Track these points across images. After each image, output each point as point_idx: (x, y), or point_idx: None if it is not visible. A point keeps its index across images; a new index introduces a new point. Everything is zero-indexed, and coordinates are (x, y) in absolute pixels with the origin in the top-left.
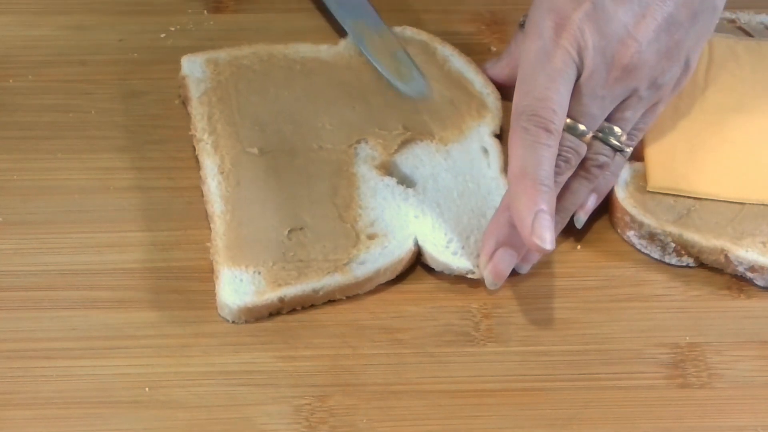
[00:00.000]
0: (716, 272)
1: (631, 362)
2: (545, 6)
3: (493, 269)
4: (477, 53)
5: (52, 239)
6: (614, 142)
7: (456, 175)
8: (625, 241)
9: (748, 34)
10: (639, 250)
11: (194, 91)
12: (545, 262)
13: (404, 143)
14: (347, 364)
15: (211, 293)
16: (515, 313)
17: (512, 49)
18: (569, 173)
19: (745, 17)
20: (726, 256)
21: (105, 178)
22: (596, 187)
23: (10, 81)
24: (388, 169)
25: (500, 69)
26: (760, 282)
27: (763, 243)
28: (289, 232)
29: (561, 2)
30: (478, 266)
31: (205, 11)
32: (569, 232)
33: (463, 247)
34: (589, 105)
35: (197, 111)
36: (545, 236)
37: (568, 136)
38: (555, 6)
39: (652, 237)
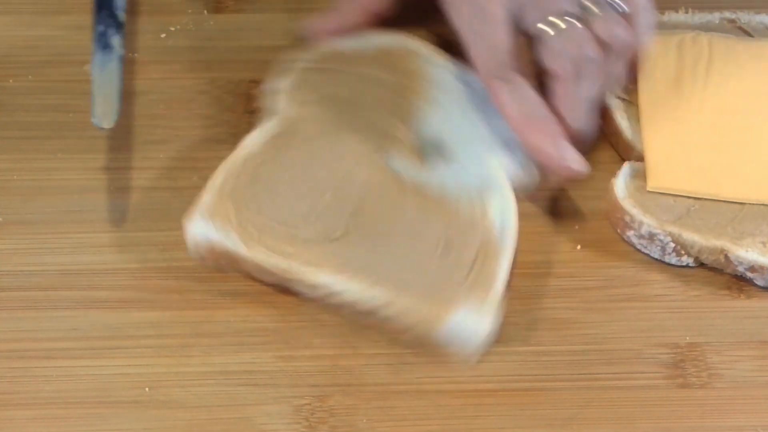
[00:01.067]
0: (716, 272)
1: (631, 362)
2: None
3: (568, 160)
4: None
5: (52, 239)
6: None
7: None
8: (625, 241)
9: (748, 34)
10: (639, 250)
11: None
12: (545, 262)
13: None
14: (347, 364)
15: (211, 293)
16: (515, 313)
17: (343, 8)
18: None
19: (745, 17)
20: (726, 256)
21: (105, 178)
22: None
23: (10, 81)
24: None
25: (338, 18)
26: (760, 282)
27: (763, 243)
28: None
29: None
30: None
31: (205, 11)
32: (569, 232)
33: None
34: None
35: None
36: (572, 159)
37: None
38: None
39: (651, 237)
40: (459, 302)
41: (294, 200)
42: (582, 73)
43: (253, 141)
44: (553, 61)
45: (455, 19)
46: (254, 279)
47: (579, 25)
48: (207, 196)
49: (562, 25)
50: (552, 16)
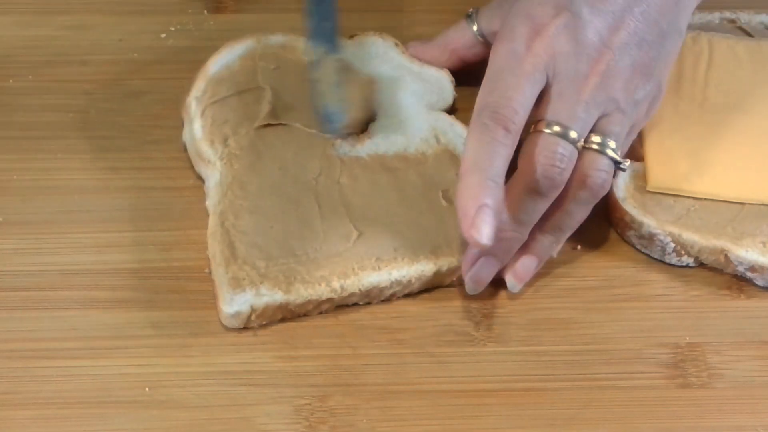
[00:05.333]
0: (716, 272)
1: (631, 362)
2: (523, 12)
3: (474, 276)
4: None
5: (52, 239)
6: (612, 153)
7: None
8: (625, 241)
9: (748, 34)
10: (639, 250)
11: None
12: (545, 262)
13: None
14: (347, 364)
15: (211, 293)
16: (515, 313)
17: (449, 36)
18: (562, 184)
19: (745, 17)
20: (726, 256)
21: (105, 178)
22: (536, 250)
23: (10, 81)
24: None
25: (430, 51)
26: (760, 282)
27: (763, 243)
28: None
29: (540, 11)
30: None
31: (205, 11)
32: None
33: None
34: (574, 108)
35: None
36: (484, 231)
37: (560, 141)
38: (533, 14)
39: (652, 237)
40: None
41: (292, 227)
42: (540, 189)
43: (213, 201)
44: (522, 157)
45: (493, 53)
46: (310, 315)
47: (575, 146)
48: (220, 271)
49: (570, 134)
50: (562, 121)
